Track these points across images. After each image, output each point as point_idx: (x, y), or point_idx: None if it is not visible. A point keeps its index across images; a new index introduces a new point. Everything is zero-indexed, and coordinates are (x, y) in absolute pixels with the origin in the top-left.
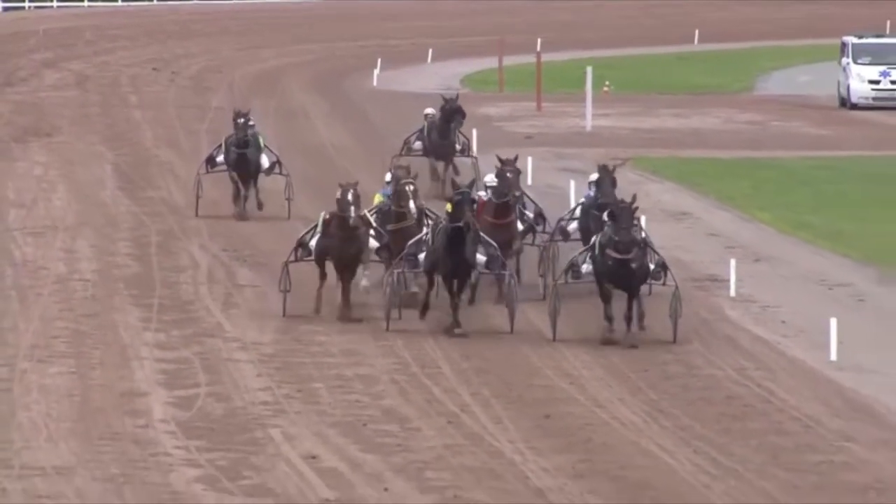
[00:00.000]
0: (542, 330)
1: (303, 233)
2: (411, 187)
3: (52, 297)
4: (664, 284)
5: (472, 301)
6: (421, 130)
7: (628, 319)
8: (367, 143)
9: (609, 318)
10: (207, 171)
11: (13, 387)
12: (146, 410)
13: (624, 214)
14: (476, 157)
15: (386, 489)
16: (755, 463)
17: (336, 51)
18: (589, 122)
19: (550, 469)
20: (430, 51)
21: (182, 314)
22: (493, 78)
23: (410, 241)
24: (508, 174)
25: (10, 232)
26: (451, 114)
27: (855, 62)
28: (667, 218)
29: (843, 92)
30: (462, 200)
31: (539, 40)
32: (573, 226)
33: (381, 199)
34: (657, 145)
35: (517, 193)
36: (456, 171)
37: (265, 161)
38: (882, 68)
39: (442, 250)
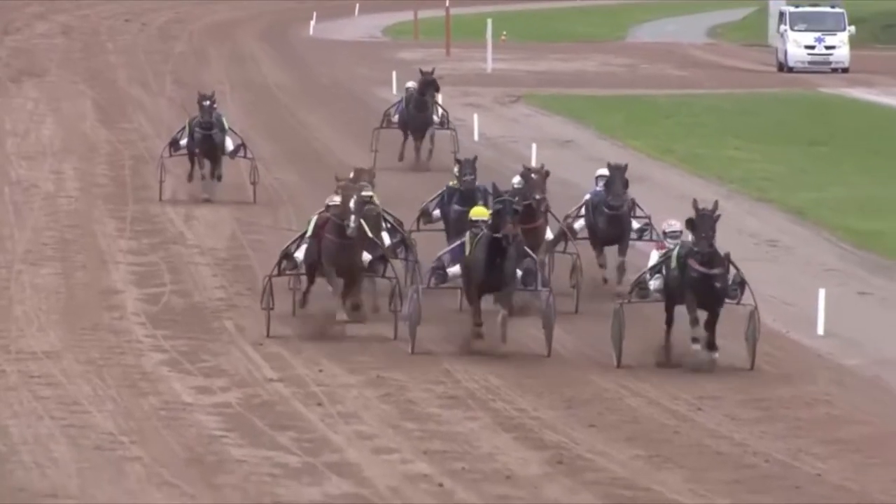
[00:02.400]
0: (579, 350)
1: (288, 243)
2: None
3: (41, 210)
4: (738, 303)
5: (503, 339)
6: (400, 103)
7: (710, 342)
8: (304, 81)
9: (695, 338)
10: (170, 155)
11: (10, 286)
12: (121, 305)
13: (704, 223)
14: (455, 130)
15: (321, 370)
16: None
17: (279, 6)
18: (489, 66)
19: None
20: (357, 6)
21: (150, 225)
22: (410, 28)
23: (441, 253)
24: (534, 175)
25: (7, 156)
26: (425, 86)
27: (792, 29)
28: (554, 145)
29: (781, 57)
30: (503, 209)
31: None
32: (580, 223)
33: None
34: (546, 84)
35: (538, 196)
36: (431, 143)
37: (230, 144)
38: (817, 34)
39: (479, 260)
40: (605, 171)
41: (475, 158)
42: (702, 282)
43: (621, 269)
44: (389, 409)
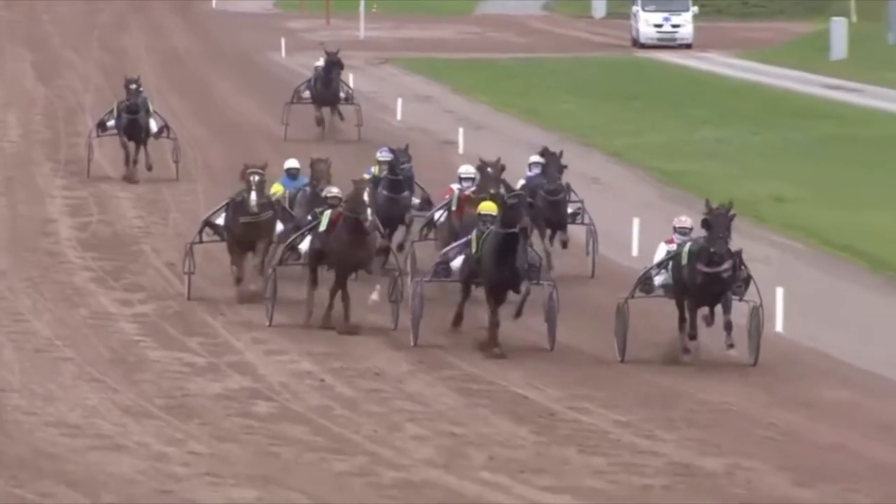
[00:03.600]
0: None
1: (210, 213)
2: (257, 178)
3: None
4: (741, 300)
5: (518, 314)
6: (309, 80)
7: (729, 328)
8: (207, 46)
9: (692, 336)
10: (98, 135)
11: None
12: (55, 232)
13: (720, 223)
14: (359, 105)
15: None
16: None
17: None
18: (362, 33)
19: None
20: None
21: (80, 166)
22: (296, 3)
23: (446, 249)
24: (489, 169)
25: None
26: (331, 65)
27: (643, 10)
28: (416, 100)
29: (634, 34)
30: (518, 204)
31: None
32: None
33: (282, 188)
34: (410, 49)
35: (492, 191)
36: (341, 117)
37: (154, 125)
38: (665, 14)
39: (490, 258)
40: (538, 158)
41: (407, 146)
42: (707, 281)
43: (565, 245)
44: (280, 317)
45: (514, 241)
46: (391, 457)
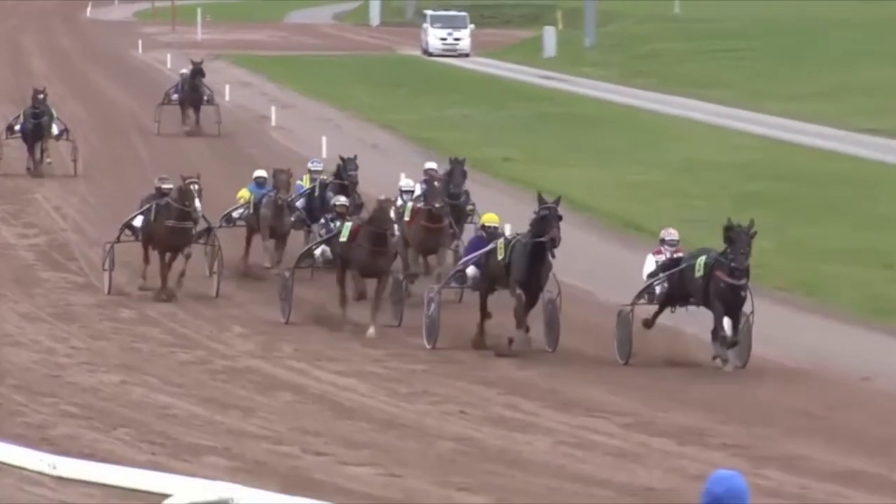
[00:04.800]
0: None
1: (130, 216)
2: (196, 187)
3: None
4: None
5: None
6: (177, 85)
7: (730, 345)
8: (84, 45)
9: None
10: (7, 138)
11: None
12: None
13: (742, 239)
14: (218, 104)
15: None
16: None
17: None
18: (199, 36)
19: None
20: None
21: None
22: (151, 13)
23: (466, 258)
24: (436, 183)
25: None
26: (195, 73)
27: (432, 26)
28: (241, 86)
29: (424, 45)
30: (549, 215)
31: None
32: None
33: (249, 194)
34: (236, 48)
35: (437, 205)
36: (198, 119)
37: (55, 129)
38: (448, 31)
39: (520, 265)
40: (432, 165)
41: (356, 156)
42: (731, 292)
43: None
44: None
45: (542, 250)
46: (223, 350)
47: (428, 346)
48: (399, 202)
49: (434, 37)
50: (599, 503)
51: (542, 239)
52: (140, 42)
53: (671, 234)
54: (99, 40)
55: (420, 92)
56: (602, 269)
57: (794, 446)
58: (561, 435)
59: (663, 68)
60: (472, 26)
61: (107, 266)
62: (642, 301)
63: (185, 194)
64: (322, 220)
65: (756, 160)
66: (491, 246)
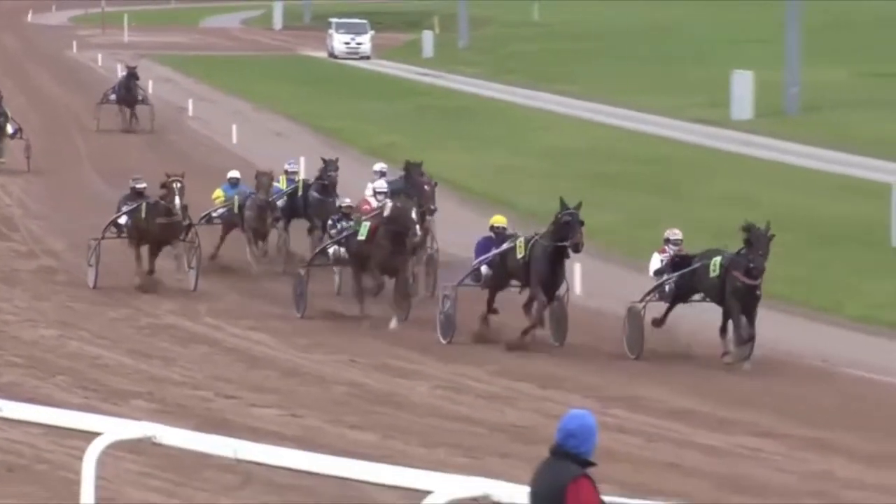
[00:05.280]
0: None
1: (115, 215)
2: (178, 185)
3: None
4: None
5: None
6: (114, 87)
7: (747, 340)
8: (26, 45)
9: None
10: None
11: None
12: None
13: (761, 241)
14: (153, 105)
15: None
16: None
17: (8, 4)
18: (126, 38)
19: None
20: (54, 6)
21: None
22: (84, 18)
23: (482, 258)
24: (426, 187)
25: None
26: (129, 76)
27: (336, 32)
28: (163, 82)
29: (330, 49)
30: (573, 221)
31: (103, 2)
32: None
33: (222, 193)
34: (159, 49)
35: (433, 207)
36: (135, 118)
37: (10, 128)
38: (351, 36)
39: (540, 266)
40: (382, 167)
41: (337, 159)
42: (747, 291)
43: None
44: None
45: (562, 254)
46: (147, 308)
47: (444, 342)
48: (374, 202)
49: (339, 41)
50: (472, 439)
51: (565, 244)
52: (75, 43)
53: (675, 233)
54: (39, 41)
55: (319, 87)
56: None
57: (638, 389)
58: (439, 380)
59: (527, 66)
60: (372, 32)
61: (92, 262)
62: (651, 298)
63: (168, 192)
64: (330, 221)
65: (607, 146)
66: (509, 244)
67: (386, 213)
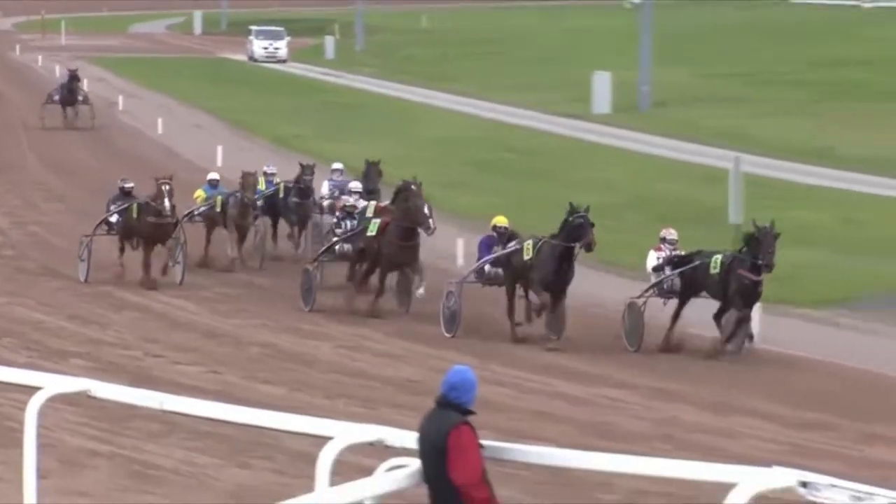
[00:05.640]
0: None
1: (106, 214)
2: (167, 187)
3: None
4: None
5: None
6: (58, 88)
7: (750, 337)
8: None
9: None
10: None
11: None
12: None
13: (769, 239)
14: (92, 104)
15: None
16: None
17: None
18: (63, 41)
19: None
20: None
21: None
22: (26, 25)
23: (487, 257)
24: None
25: None
26: (71, 78)
27: (256, 38)
28: (97, 81)
29: (251, 53)
30: (584, 223)
31: (43, 11)
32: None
33: (203, 193)
34: (92, 51)
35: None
36: (77, 116)
37: None
38: (269, 42)
39: (547, 266)
40: (339, 165)
41: (314, 164)
42: (752, 287)
43: None
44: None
45: (571, 253)
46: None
47: (448, 335)
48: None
49: (258, 46)
50: (368, 391)
51: (577, 244)
52: (18, 46)
53: (671, 233)
54: None
55: (236, 85)
56: None
57: (514, 348)
58: (341, 340)
59: (416, 67)
60: (288, 38)
61: (83, 256)
62: (650, 294)
63: (158, 193)
64: (335, 220)
65: (487, 137)
66: (516, 246)
67: (398, 210)
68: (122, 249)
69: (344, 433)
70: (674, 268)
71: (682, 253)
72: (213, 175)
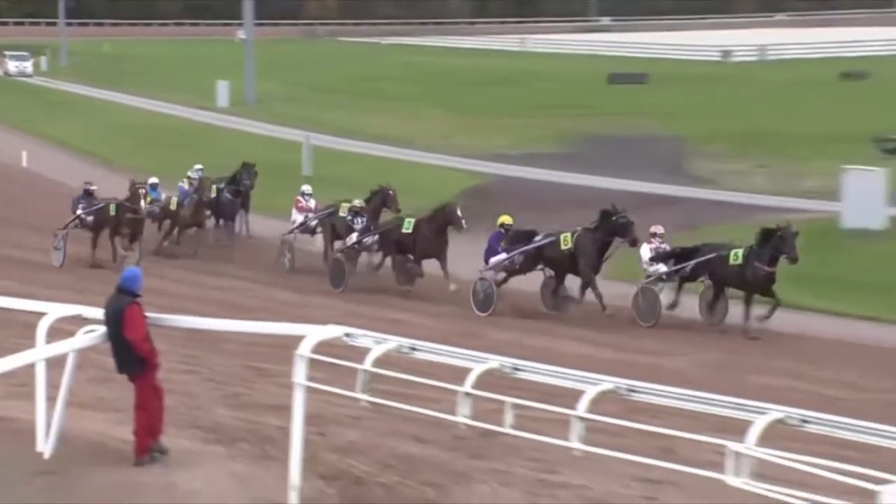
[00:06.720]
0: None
1: (81, 212)
2: (143, 191)
3: None
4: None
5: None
6: None
7: (763, 318)
8: None
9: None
10: None
11: None
12: None
13: (790, 236)
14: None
15: None
16: None
17: None
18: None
19: None
20: None
21: None
22: None
23: (512, 254)
24: (391, 191)
25: None
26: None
27: (9, 59)
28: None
29: (6, 70)
30: (628, 223)
31: None
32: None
33: (149, 195)
34: None
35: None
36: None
37: None
38: (19, 61)
39: (587, 255)
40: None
41: (254, 164)
42: (767, 277)
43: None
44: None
45: (608, 246)
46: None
47: (483, 315)
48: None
49: (11, 65)
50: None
51: (618, 239)
52: None
53: (659, 229)
54: None
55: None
56: None
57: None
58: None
59: (102, 76)
60: (32, 60)
61: (59, 246)
62: (660, 282)
63: (134, 196)
64: (349, 217)
65: (148, 122)
66: (552, 238)
67: (435, 211)
68: (94, 245)
69: (55, 310)
70: (677, 260)
71: (686, 247)
72: (154, 179)
